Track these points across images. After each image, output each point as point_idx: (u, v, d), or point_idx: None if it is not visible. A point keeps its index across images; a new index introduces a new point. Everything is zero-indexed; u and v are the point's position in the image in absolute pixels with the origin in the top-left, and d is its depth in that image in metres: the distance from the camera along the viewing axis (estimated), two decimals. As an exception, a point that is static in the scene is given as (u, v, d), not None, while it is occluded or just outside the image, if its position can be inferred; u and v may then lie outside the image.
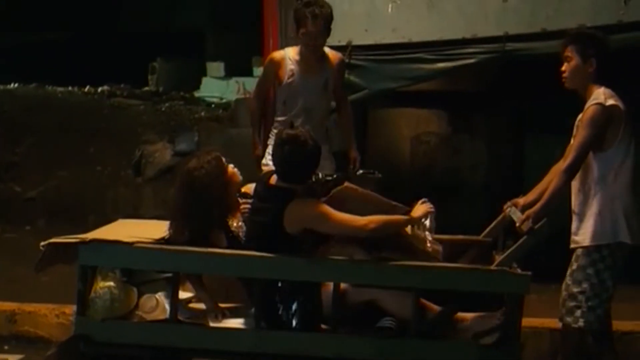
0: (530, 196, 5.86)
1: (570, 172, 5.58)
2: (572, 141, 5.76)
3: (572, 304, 5.66)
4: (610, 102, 5.61)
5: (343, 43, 8.13)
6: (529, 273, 5.27)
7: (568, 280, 5.68)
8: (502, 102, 8.87)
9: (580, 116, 5.72)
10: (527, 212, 5.50)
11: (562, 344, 5.82)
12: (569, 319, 5.67)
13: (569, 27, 6.20)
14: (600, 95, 5.62)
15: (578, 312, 5.64)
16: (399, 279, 5.34)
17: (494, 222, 6.01)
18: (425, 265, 5.35)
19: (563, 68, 5.79)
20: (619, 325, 6.45)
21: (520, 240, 5.33)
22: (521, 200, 5.85)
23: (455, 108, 9.20)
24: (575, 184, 5.73)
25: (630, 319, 7.09)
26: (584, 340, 5.68)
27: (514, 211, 5.70)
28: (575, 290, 5.65)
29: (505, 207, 5.87)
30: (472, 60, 7.85)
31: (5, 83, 13.28)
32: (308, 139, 5.45)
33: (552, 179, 5.79)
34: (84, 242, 5.41)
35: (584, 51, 5.71)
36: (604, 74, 5.73)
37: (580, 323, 5.63)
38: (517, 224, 5.46)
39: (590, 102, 5.62)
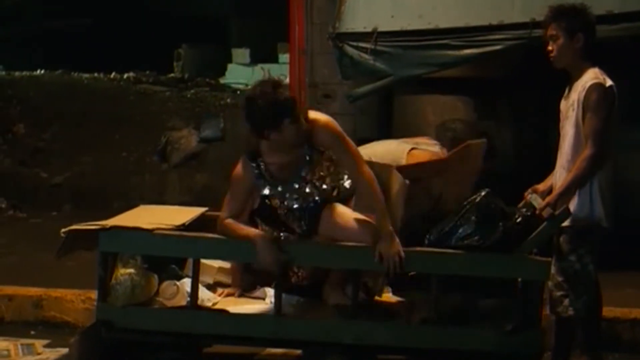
0: (548, 181, 5.80)
1: (594, 160, 5.45)
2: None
3: (559, 293, 5.57)
4: (609, 82, 5.51)
5: (369, 29, 8.10)
6: (549, 259, 5.23)
7: (553, 269, 5.55)
8: (527, 88, 8.80)
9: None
10: (548, 199, 5.45)
11: (557, 335, 5.71)
12: (558, 309, 5.60)
13: (596, 14, 6.08)
14: (599, 76, 5.51)
15: (566, 301, 5.55)
16: (418, 265, 5.34)
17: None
18: (446, 251, 5.33)
19: (549, 47, 5.63)
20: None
21: (541, 227, 5.31)
22: (540, 186, 5.80)
23: (481, 95, 9.13)
24: (560, 161, 5.65)
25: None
26: (576, 329, 5.63)
27: (535, 197, 5.63)
28: (560, 279, 5.57)
29: (526, 193, 5.80)
30: (498, 47, 7.80)
31: (31, 70, 13.36)
32: (257, 94, 5.34)
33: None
34: (104, 229, 5.43)
35: (570, 27, 5.55)
36: (591, 49, 5.61)
37: (570, 312, 5.56)
38: (538, 211, 5.42)
39: (589, 83, 5.48)
